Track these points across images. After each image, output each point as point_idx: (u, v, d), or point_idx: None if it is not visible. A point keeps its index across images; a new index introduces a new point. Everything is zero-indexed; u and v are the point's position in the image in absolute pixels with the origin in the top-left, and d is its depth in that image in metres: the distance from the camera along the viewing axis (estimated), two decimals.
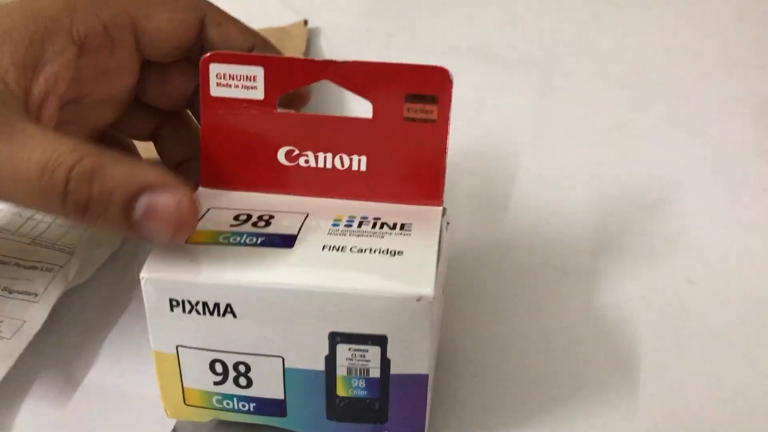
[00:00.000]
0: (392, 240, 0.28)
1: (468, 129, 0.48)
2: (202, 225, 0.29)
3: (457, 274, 0.38)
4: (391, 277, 0.27)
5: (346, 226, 0.29)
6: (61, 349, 0.35)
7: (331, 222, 0.29)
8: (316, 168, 0.31)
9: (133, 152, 0.37)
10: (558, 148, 0.49)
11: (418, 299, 0.26)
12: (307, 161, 0.31)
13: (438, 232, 0.29)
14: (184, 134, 0.36)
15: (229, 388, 0.29)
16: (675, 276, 0.39)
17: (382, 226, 0.29)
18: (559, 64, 0.56)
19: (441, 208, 0.31)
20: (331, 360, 0.28)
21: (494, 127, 0.50)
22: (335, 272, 0.27)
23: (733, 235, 0.42)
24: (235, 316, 0.27)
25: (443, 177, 0.31)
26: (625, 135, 0.49)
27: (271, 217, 0.30)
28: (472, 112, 0.51)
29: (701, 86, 0.53)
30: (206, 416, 0.30)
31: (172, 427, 0.31)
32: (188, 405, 0.30)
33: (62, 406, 0.32)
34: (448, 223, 0.31)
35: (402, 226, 0.29)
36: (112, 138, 0.36)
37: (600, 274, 0.39)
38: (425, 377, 0.28)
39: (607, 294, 0.38)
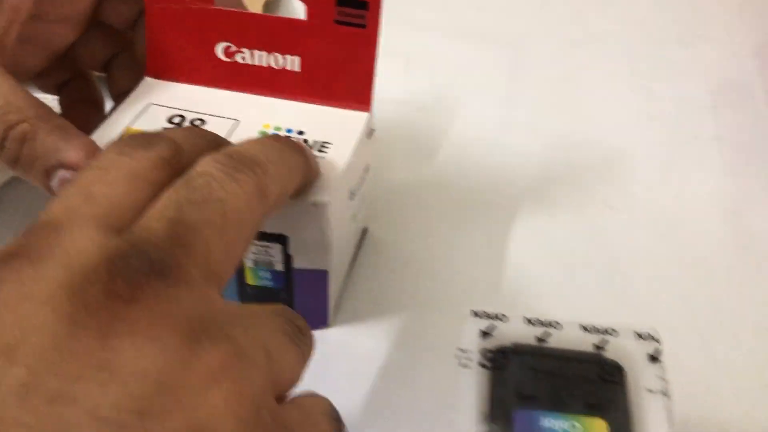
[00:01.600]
0: None
1: (424, 76, 0.50)
2: (138, 124, 0.31)
3: (389, 205, 0.40)
4: None
5: None
6: None
7: (256, 134, 0.30)
8: (253, 65, 0.32)
9: (91, 83, 0.37)
10: (505, 96, 0.49)
11: (314, 204, 0.28)
12: (243, 58, 0.32)
13: (352, 151, 0.30)
14: (134, 67, 0.35)
15: None
16: (596, 202, 0.41)
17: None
18: (517, 26, 0.56)
19: (367, 114, 0.32)
20: None
21: (449, 76, 0.51)
22: None
23: (660, 173, 0.43)
24: None
25: (372, 83, 0.32)
26: (571, 87, 0.50)
27: (203, 122, 0.31)
28: (430, 62, 0.52)
29: (651, 51, 0.53)
30: None
31: None
32: None
33: None
34: (373, 130, 0.32)
35: (322, 145, 0.30)
36: (71, 66, 0.36)
37: (524, 202, 0.41)
38: (325, 273, 0.30)
39: (528, 218, 0.40)
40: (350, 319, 0.34)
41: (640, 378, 0.22)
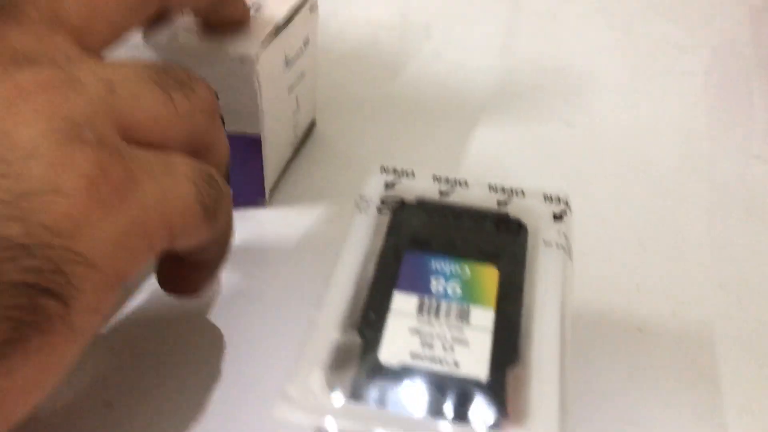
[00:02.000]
0: None
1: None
2: None
3: (342, 108, 0.40)
4: (226, 42, 0.28)
5: None
6: None
7: None
8: None
9: None
10: (480, 20, 0.50)
11: (241, 59, 0.28)
12: None
13: (286, 13, 0.30)
14: None
15: None
16: (554, 119, 0.41)
17: None
18: None
19: None
20: None
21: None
22: None
23: (623, 99, 0.43)
24: None
25: None
26: (549, 17, 0.51)
27: None
28: None
29: None
30: None
31: None
32: None
33: None
34: (316, 6, 0.32)
35: (258, 6, 0.30)
36: None
37: (482, 116, 0.41)
38: (258, 139, 0.30)
39: (483, 130, 0.40)
40: (288, 201, 0.33)
41: (540, 233, 0.22)
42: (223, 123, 0.29)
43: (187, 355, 0.26)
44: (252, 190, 0.32)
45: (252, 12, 0.30)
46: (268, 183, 0.32)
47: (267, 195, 0.32)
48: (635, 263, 0.31)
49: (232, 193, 0.31)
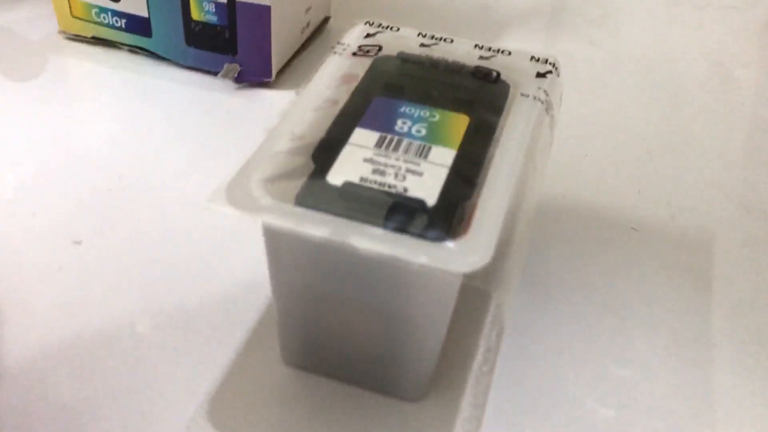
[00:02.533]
0: None
1: None
2: None
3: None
4: None
5: None
6: None
7: None
8: None
9: None
10: None
11: None
12: None
13: None
14: None
15: (102, 0, 0.31)
16: (580, 39, 0.39)
17: None
18: None
19: None
20: None
21: None
22: None
23: (651, 25, 0.41)
24: None
25: None
26: None
27: None
28: None
29: None
30: (89, 31, 0.33)
31: None
32: (74, 17, 0.33)
33: None
34: None
35: None
36: None
37: (504, 30, 0.39)
38: (268, 9, 0.29)
39: (504, 44, 0.38)
40: (294, 87, 0.33)
41: (520, 87, 0.21)
42: None
43: None
44: (259, 67, 0.31)
45: None
46: (276, 62, 0.32)
47: (273, 74, 0.32)
48: (641, 169, 0.30)
49: (239, 67, 0.31)
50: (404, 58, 0.21)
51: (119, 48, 0.33)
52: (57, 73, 0.32)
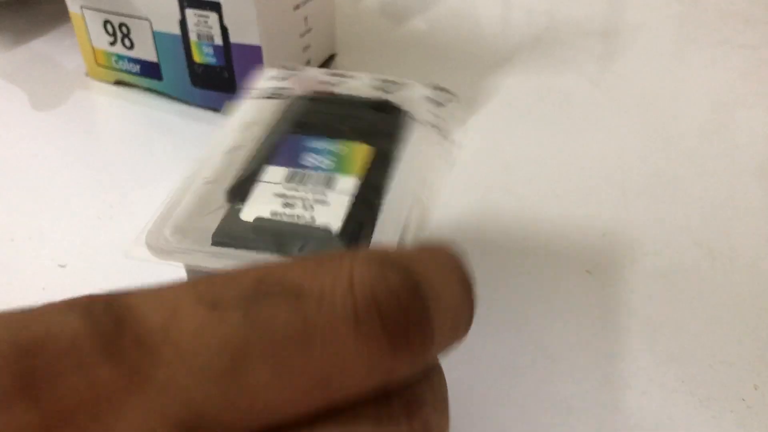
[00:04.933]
0: None
1: None
2: None
3: (364, 44, 0.41)
4: None
5: None
6: None
7: None
8: None
9: None
10: None
11: None
12: None
13: None
14: None
15: (119, 48, 0.35)
16: (580, 76, 0.39)
17: None
18: None
19: None
20: (183, 24, 0.32)
21: None
22: None
23: (659, 63, 0.41)
24: None
25: None
26: None
27: None
28: None
29: None
30: (112, 77, 0.36)
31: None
32: (99, 65, 0.36)
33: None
34: None
35: None
36: None
37: (505, 64, 0.40)
38: (259, 49, 0.31)
39: (504, 80, 0.39)
40: None
41: (418, 116, 0.21)
42: (230, 35, 0.31)
43: None
44: None
45: None
46: None
47: None
48: (611, 211, 0.30)
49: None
50: (311, 98, 0.23)
51: (138, 87, 0.36)
52: (82, 105, 0.36)
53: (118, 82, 0.37)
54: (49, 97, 0.37)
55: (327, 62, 0.38)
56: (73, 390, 0.10)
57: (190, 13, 0.32)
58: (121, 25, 0.34)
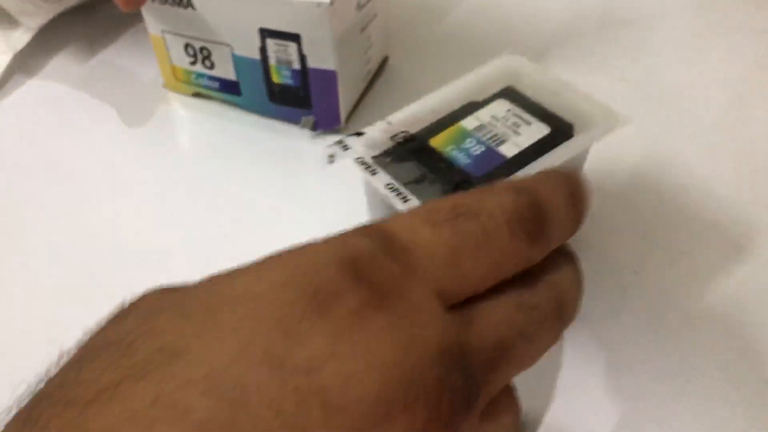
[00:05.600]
0: None
1: None
2: None
3: (414, 42, 0.44)
4: None
5: None
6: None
7: None
8: None
9: None
10: None
11: (318, 5, 0.32)
12: None
13: None
14: None
15: (199, 68, 0.38)
16: (611, 75, 0.43)
17: None
18: None
19: None
20: (263, 51, 0.35)
21: None
22: None
23: (677, 56, 0.44)
24: (194, 8, 0.35)
25: None
26: None
27: None
28: None
29: None
30: (190, 90, 0.40)
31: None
32: (178, 80, 0.39)
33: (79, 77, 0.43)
34: None
35: None
36: None
37: (539, 60, 0.43)
38: (334, 74, 0.35)
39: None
40: (360, 126, 0.38)
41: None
42: (307, 62, 0.35)
43: None
44: (330, 117, 0.37)
45: None
46: (344, 111, 0.37)
47: (342, 121, 0.38)
48: (648, 213, 0.34)
49: (314, 119, 0.37)
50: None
51: (215, 100, 0.40)
52: (164, 118, 0.40)
53: (196, 94, 0.40)
54: (131, 110, 0.40)
55: (382, 65, 0.42)
56: None
57: (270, 42, 0.35)
58: (202, 48, 0.37)
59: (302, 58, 0.35)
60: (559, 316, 0.20)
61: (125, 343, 0.16)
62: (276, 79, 0.37)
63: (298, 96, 0.37)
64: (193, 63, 0.38)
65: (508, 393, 0.20)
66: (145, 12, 0.37)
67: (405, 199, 0.25)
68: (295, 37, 0.34)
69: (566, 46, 0.44)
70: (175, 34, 0.37)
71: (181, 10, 0.36)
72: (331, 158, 0.28)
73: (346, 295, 0.16)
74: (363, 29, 0.37)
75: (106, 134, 0.39)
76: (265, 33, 0.35)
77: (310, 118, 0.37)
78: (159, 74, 0.40)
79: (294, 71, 0.36)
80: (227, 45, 0.36)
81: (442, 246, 0.18)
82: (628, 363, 0.28)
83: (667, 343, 0.29)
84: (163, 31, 0.37)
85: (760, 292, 0.30)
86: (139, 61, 0.43)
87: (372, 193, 0.29)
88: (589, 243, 0.32)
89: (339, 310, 0.16)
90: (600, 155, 0.31)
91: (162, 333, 0.16)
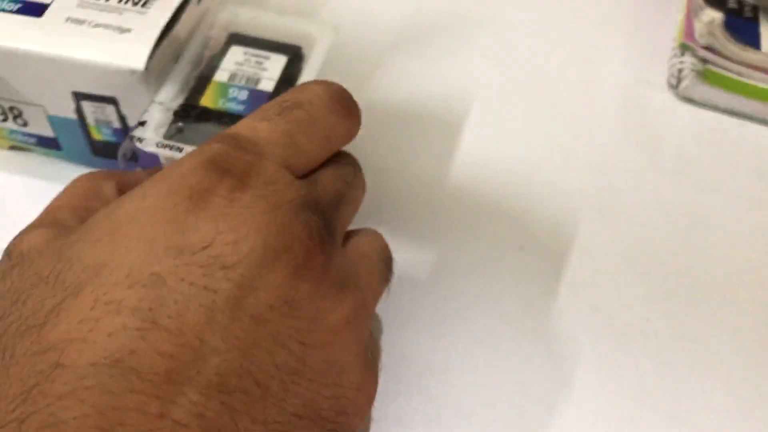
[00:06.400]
0: (128, 17, 0.33)
1: None
2: None
3: None
4: (114, 51, 0.32)
5: None
6: None
7: None
8: None
9: None
10: None
11: (132, 72, 0.32)
12: None
13: (171, 12, 0.33)
14: None
15: (11, 125, 0.36)
16: (471, 52, 0.45)
17: (126, 1, 0.34)
18: None
19: None
20: (80, 112, 0.35)
21: None
22: (72, 43, 0.32)
23: (532, 28, 0.47)
24: None
25: None
26: None
27: None
28: None
29: None
30: (5, 144, 0.38)
31: None
32: None
33: None
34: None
35: (145, 3, 0.34)
36: None
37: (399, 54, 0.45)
38: None
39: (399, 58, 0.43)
40: None
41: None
42: (128, 120, 0.34)
43: None
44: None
45: (139, 6, 0.33)
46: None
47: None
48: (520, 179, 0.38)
49: (133, 147, 0.37)
50: None
51: (35, 152, 0.38)
52: None
53: (13, 147, 0.39)
54: None
55: None
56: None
57: (86, 104, 0.34)
58: (11, 107, 0.35)
59: (122, 118, 0.35)
60: (360, 176, 0.27)
61: (53, 276, 0.20)
62: (97, 136, 0.36)
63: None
64: (4, 121, 0.36)
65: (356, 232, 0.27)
66: None
67: None
68: (111, 100, 0.34)
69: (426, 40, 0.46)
70: None
71: None
72: (126, 155, 0.33)
73: (215, 187, 0.21)
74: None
75: None
76: (80, 96, 0.34)
77: (126, 153, 0.37)
78: None
79: (115, 129, 0.35)
80: (39, 105, 0.35)
81: (280, 133, 0.23)
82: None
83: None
84: None
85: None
86: None
87: None
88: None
89: (213, 200, 0.21)
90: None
91: (81, 258, 0.20)
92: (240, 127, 0.24)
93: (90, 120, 0.35)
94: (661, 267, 0.36)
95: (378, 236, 0.28)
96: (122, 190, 0.27)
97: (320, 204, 0.23)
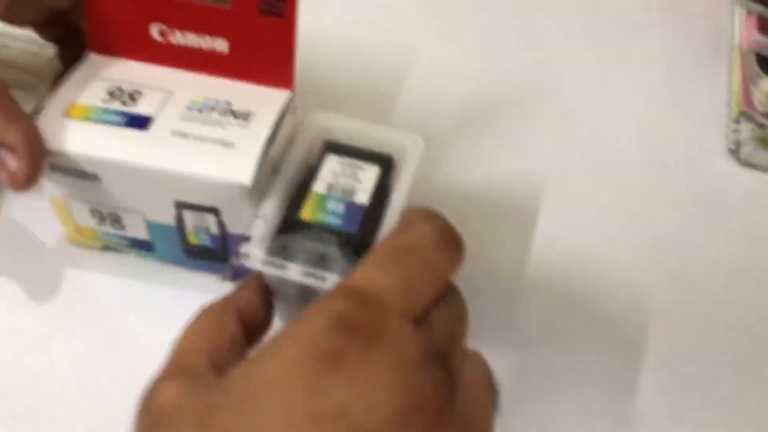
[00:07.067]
0: (231, 131, 0.34)
1: None
2: (82, 98, 0.35)
3: None
4: (220, 166, 0.33)
5: (198, 111, 0.35)
6: None
7: (185, 105, 0.35)
8: (185, 45, 0.36)
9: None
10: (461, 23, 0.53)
11: (239, 186, 0.33)
12: (177, 38, 0.36)
13: (271, 126, 0.34)
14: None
15: (108, 228, 0.37)
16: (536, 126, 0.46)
17: (227, 114, 0.34)
18: None
19: (289, 93, 0.36)
20: (179, 220, 0.35)
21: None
22: (177, 156, 0.33)
23: (593, 99, 0.49)
24: (100, 180, 0.34)
25: (292, 65, 0.35)
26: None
27: (139, 93, 0.35)
28: None
29: None
30: (98, 244, 0.39)
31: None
32: (82, 236, 0.38)
33: None
34: (297, 107, 0.37)
35: (246, 116, 0.34)
36: (69, 23, 0.40)
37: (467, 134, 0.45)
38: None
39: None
40: None
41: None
42: (226, 227, 0.35)
43: None
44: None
45: (241, 120, 0.34)
46: None
47: None
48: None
49: (233, 269, 0.38)
50: None
51: (126, 252, 0.39)
52: (67, 287, 0.38)
53: (105, 248, 0.39)
54: (34, 272, 0.39)
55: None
56: None
57: (187, 212, 0.35)
58: (110, 213, 0.36)
59: (221, 225, 0.35)
60: (466, 309, 0.27)
61: None
62: (193, 240, 0.36)
63: (216, 254, 0.37)
64: (100, 224, 0.37)
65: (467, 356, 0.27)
66: (43, 179, 0.36)
67: (323, 278, 0.30)
68: (213, 210, 0.34)
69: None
70: (79, 200, 0.36)
71: (84, 182, 0.35)
72: (230, 271, 0.34)
73: (346, 347, 0.21)
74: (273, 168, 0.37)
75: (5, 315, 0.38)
76: (181, 205, 0.35)
77: (230, 270, 0.38)
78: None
79: (212, 236, 0.36)
80: (139, 212, 0.36)
81: (397, 282, 0.24)
82: None
83: None
84: (65, 196, 0.36)
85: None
86: (35, 213, 0.41)
87: (279, 282, 0.31)
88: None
89: (345, 361, 0.21)
90: None
91: (223, 427, 0.21)
92: (359, 279, 0.24)
93: (189, 226, 0.35)
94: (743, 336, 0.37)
95: (482, 362, 0.28)
96: (243, 320, 0.28)
97: (440, 351, 0.23)
